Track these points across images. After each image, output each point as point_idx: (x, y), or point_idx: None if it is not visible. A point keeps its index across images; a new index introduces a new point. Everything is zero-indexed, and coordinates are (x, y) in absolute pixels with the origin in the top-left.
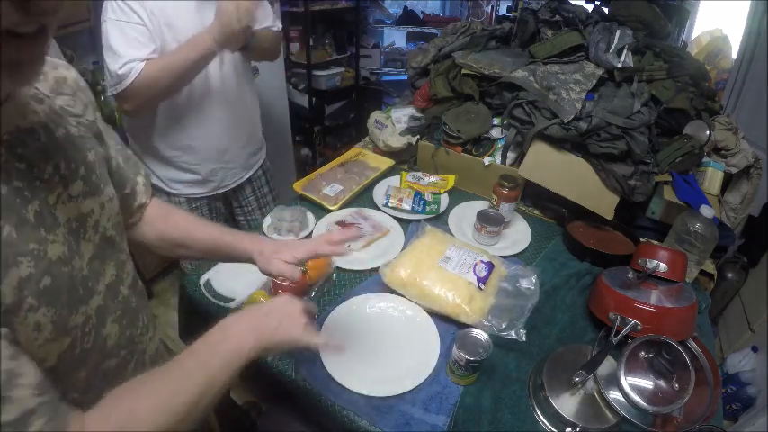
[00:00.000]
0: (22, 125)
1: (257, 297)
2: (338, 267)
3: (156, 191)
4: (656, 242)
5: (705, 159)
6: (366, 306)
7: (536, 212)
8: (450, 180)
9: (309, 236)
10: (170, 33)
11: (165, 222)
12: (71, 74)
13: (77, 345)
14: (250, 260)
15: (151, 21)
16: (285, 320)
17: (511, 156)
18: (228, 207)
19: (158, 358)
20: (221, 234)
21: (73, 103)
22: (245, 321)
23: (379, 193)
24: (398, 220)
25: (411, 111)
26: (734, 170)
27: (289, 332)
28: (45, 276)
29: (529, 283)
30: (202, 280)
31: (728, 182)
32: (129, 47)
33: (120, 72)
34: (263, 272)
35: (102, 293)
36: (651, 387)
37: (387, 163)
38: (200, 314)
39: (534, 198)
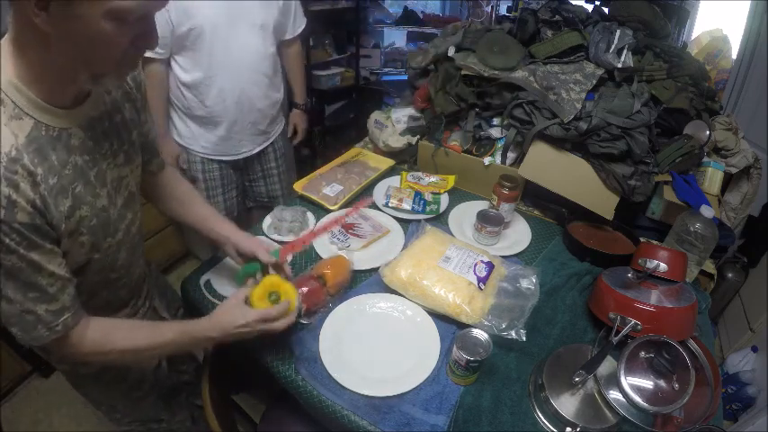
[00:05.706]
0: (93, 114)
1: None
2: None
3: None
4: (656, 242)
5: (705, 159)
6: (366, 306)
7: (536, 212)
8: (451, 180)
9: None
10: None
11: (177, 184)
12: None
13: (102, 259)
14: (221, 242)
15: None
16: (245, 335)
17: (511, 156)
18: (240, 177)
19: (141, 281)
20: (211, 215)
21: (130, 90)
22: (217, 324)
23: (379, 194)
24: (398, 220)
25: (411, 111)
26: (734, 170)
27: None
28: (94, 218)
29: (529, 283)
30: (202, 280)
31: (728, 182)
32: None
33: None
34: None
35: (122, 231)
36: (651, 387)
37: (387, 163)
38: (201, 314)
39: (534, 198)
